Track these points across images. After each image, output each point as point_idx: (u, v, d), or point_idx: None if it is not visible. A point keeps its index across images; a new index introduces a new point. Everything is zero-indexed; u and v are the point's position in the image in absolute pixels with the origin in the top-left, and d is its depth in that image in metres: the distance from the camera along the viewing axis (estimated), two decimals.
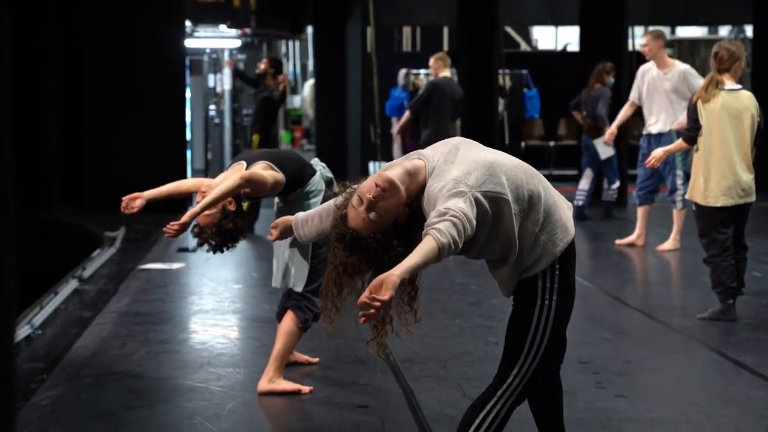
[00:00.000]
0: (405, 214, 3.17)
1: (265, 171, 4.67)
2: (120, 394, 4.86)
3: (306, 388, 4.88)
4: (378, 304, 2.85)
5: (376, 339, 3.23)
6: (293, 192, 4.82)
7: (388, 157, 15.89)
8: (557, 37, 22.32)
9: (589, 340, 5.83)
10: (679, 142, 6.50)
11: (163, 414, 4.61)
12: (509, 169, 3.20)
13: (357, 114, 13.76)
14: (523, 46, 21.50)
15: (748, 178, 6.22)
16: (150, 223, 10.85)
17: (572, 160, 11.94)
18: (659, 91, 8.95)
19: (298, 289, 4.90)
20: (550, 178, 15.11)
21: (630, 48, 13.61)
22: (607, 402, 4.59)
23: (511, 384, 3.29)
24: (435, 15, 18.04)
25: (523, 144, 17.32)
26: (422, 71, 17.06)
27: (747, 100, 6.28)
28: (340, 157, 14.49)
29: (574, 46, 20.83)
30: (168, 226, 4.57)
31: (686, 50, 18.95)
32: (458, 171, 3.12)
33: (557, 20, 18.16)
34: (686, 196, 6.43)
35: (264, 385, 4.87)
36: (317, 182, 4.92)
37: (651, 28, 21.48)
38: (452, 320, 6.35)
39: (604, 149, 10.86)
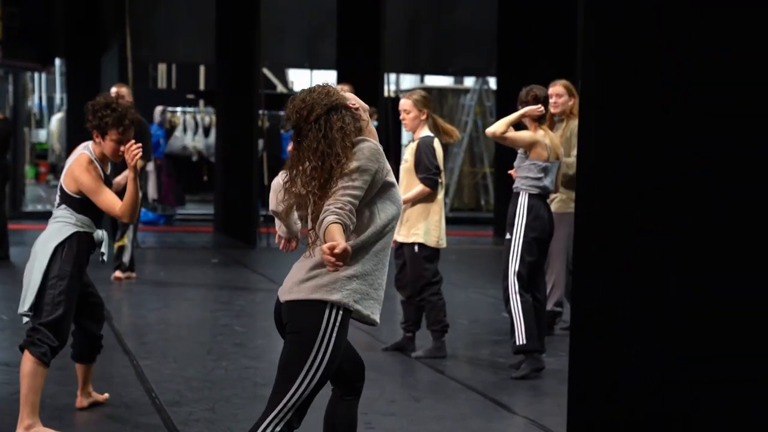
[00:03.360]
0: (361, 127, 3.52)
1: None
2: None
3: None
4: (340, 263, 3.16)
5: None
6: (75, 212, 4.81)
7: (144, 196, 15.56)
8: (312, 80, 22.68)
9: None
10: (423, 188, 6.59)
11: None
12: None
13: None
14: (280, 88, 21.70)
15: None
16: None
17: None
18: None
19: (22, 310, 4.73)
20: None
21: (385, 94, 14.02)
22: None
23: (281, 410, 3.40)
24: (192, 53, 17.90)
25: None
26: (179, 108, 16.90)
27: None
28: None
29: None
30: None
31: (435, 98, 19.74)
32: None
33: (314, 64, 18.46)
34: (422, 241, 6.55)
35: None
36: (86, 223, 4.85)
37: (403, 76, 22.24)
38: (218, 362, 6.29)
39: None
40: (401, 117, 6.62)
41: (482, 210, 18.82)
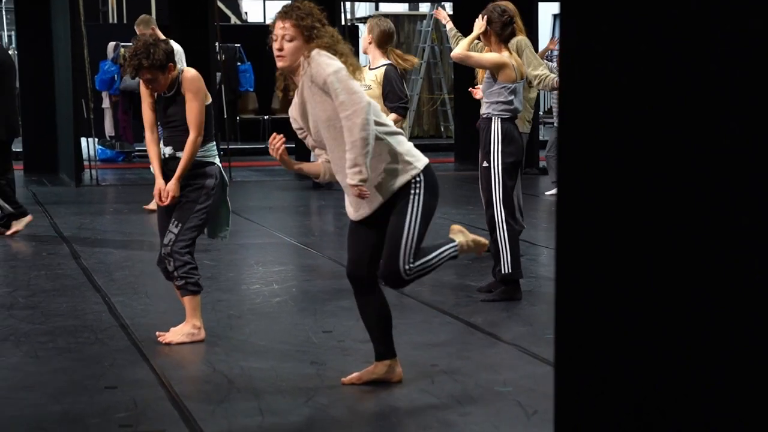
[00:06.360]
0: None
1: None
2: None
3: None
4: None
5: None
6: None
7: (101, 133, 15.38)
8: (266, 10, 22.40)
9: (329, 309, 5.96)
10: (396, 117, 6.51)
11: None
12: None
13: (67, 88, 13.16)
14: (234, 20, 21.41)
15: None
16: None
17: (286, 133, 12.06)
18: None
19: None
20: (264, 151, 15.08)
21: (342, 22, 13.87)
22: (356, 368, 4.70)
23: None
24: None
25: (238, 118, 17.30)
26: (132, 43, 16.60)
27: None
28: (50, 133, 13.87)
29: None
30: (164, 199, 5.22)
31: None
32: None
33: None
34: None
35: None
36: None
37: (359, 3, 21.99)
38: None
39: None
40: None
41: (442, 137, 18.81)
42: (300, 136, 4.52)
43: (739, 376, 2.12)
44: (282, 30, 4.28)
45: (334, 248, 8.05)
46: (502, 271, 6.14)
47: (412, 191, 4.25)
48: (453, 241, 4.60)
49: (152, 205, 9.76)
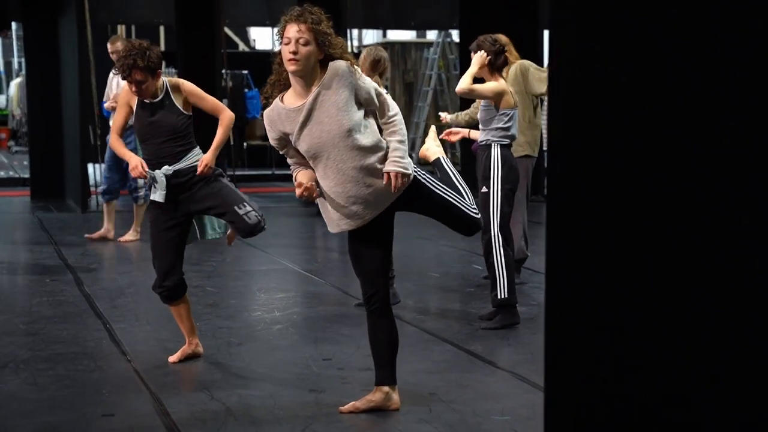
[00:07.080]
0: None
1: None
2: None
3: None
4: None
5: None
6: None
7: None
8: (274, 38, 22.50)
9: (330, 337, 5.94)
10: None
11: None
12: None
13: (74, 114, 13.22)
14: (241, 47, 21.51)
15: None
16: None
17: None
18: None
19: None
20: (272, 177, 15.23)
21: (349, 49, 13.92)
22: (355, 396, 4.69)
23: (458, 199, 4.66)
24: (151, 14, 17.68)
25: (245, 144, 17.34)
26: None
27: None
28: (56, 159, 13.93)
29: None
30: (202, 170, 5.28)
31: (398, 53, 19.64)
32: None
33: (275, 21, 18.31)
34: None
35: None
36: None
37: (366, 31, 22.06)
38: None
39: None
40: None
41: None
42: (275, 144, 4.41)
43: (740, 396, 2.09)
44: (298, 33, 4.15)
45: (338, 275, 8.04)
46: (498, 296, 6.16)
47: (418, 176, 4.50)
48: (439, 159, 4.94)
49: (128, 237, 9.81)
